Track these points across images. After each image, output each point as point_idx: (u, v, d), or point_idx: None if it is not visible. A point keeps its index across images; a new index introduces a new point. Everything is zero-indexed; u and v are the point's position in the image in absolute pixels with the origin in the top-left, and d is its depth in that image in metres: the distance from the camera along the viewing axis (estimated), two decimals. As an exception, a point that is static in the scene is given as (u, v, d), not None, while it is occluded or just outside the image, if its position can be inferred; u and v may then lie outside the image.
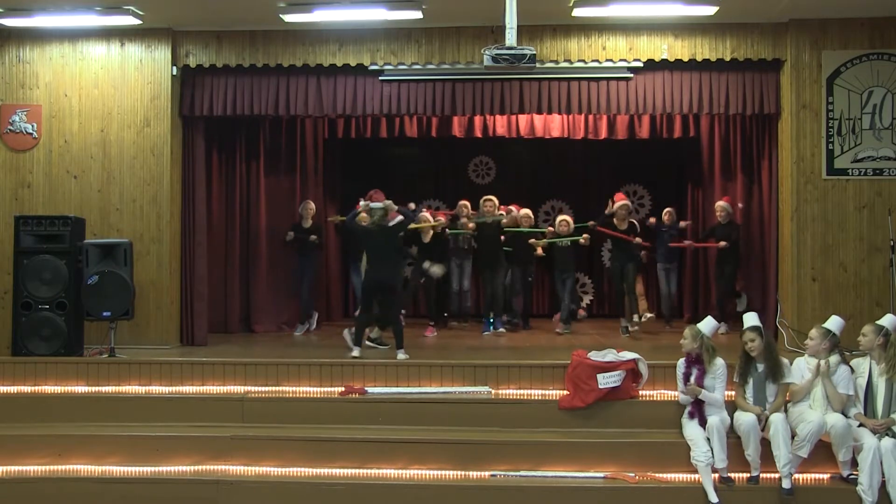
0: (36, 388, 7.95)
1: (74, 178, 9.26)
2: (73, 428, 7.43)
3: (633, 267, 10.12)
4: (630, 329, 9.95)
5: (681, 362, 7.03)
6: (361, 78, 9.31)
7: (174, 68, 9.26)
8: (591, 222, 10.38)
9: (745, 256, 10.46)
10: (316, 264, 11.06)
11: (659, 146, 12.04)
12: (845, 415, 6.57)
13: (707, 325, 7.07)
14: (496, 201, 10.74)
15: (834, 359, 6.70)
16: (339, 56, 9.15)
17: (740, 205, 10.47)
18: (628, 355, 7.57)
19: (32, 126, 9.28)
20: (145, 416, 7.58)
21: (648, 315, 10.29)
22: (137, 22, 8.84)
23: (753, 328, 6.84)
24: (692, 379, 6.86)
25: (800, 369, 6.81)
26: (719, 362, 6.90)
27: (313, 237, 10.64)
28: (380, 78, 9.30)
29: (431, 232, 10.62)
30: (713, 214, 10.91)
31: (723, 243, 10.21)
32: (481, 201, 10.71)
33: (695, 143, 11.64)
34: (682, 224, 11.10)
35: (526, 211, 11.11)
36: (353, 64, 9.16)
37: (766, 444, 6.61)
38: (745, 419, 6.66)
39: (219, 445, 7.18)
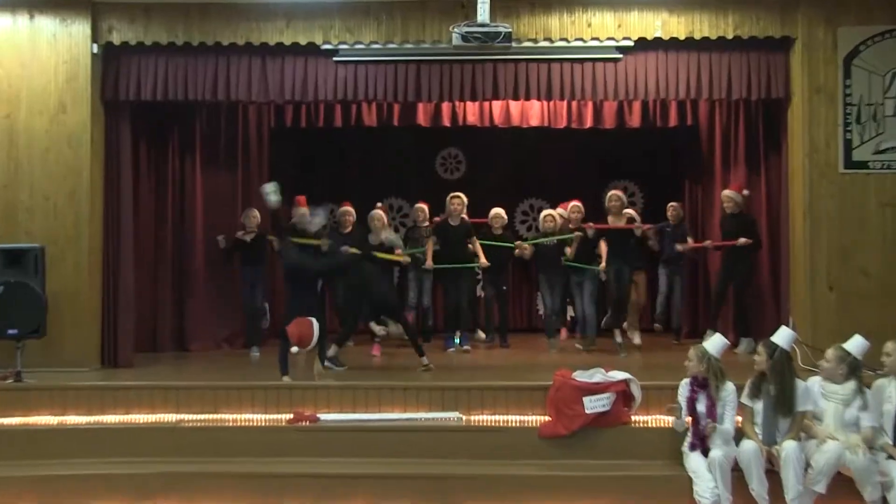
0: (-76, 421, 7.83)
1: (-26, 171, 9.11)
2: (-29, 468, 7.29)
3: (628, 271, 10.10)
4: (622, 343, 9.98)
5: (684, 384, 7.02)
6: (313, 59, 9.31)
7: (95, 46, 9.13)
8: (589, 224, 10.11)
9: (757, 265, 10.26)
10: (267, 272, 10.88)
11: (652, 136, 12.04)
12: (870, 446, 6.50)
13: (714, 344, 7.04)
14: (464, 199, 10.68)
15: (851, 385, 6.64)
16: (286, 34, 9.11)
17: (746, 192, 10.30)
18: (619, 375, 7.61)
19: (-79, 111, 9.07)
20: (60, 452, 7.49)
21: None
22: (50, -10, 8.77)
23: (767, 342, 6.85)
24: (701, 407, 6.83)
25: (813, 393, 6.76)
26: (730, 387, 6.88)
27: (271, 237, 10.52)
28: (334, 59, 9.31)
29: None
30: (713, 212, 10.94)
31: (742, 240, 9.89)
32: (448, 199, 10.64)
33: (693, 133, 11.66)
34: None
35: (497, 210, 10.91)
36: (303, 43, 9.13)
37: (775, 478, 6.56)
38: (746, 447, 6.65)
39: (148, 484, 7.12)
